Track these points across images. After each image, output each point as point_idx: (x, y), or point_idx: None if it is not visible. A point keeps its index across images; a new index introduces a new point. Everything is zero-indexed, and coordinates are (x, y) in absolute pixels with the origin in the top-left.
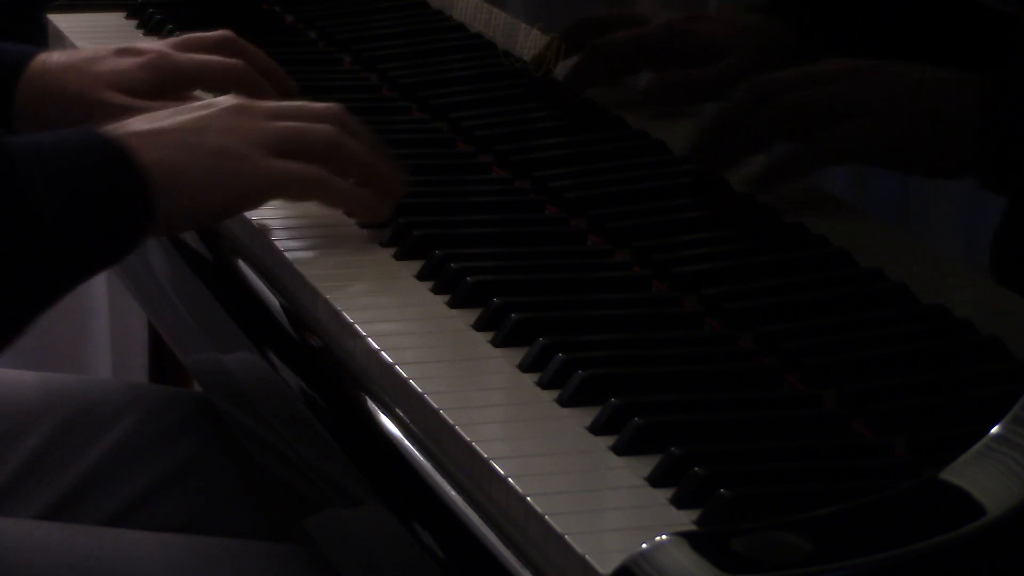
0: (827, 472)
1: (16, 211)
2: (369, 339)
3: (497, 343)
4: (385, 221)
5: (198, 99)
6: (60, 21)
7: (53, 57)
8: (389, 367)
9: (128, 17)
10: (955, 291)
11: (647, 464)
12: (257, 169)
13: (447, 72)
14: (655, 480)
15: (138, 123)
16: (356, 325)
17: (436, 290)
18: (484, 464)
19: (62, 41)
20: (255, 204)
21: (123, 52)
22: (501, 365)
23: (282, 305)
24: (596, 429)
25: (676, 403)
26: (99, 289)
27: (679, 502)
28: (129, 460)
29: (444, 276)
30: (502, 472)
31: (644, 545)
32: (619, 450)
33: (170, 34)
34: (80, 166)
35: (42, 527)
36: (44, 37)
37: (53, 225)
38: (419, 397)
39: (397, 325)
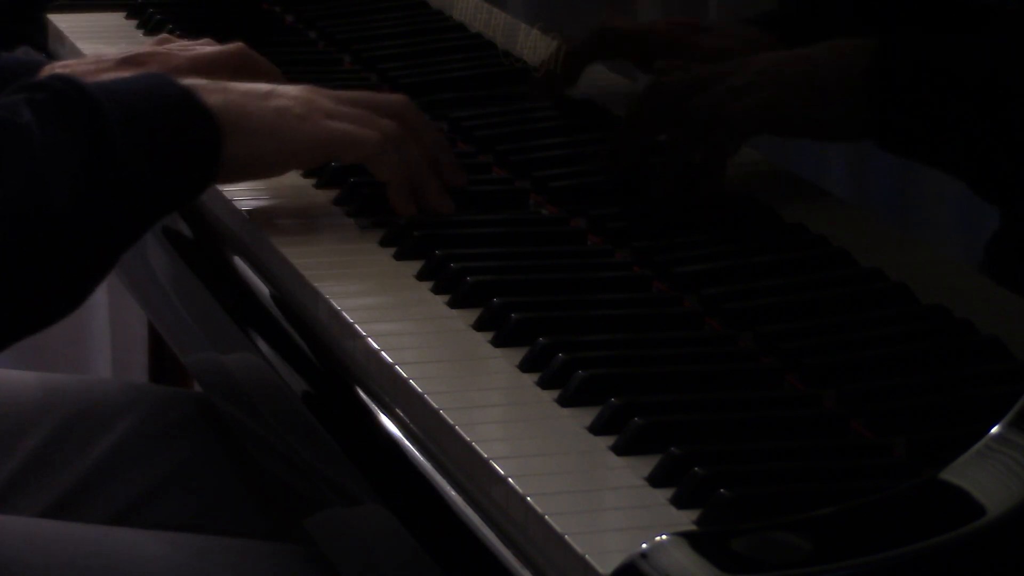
0: (827, 472)
1: (101, 151)
2: (369, 339)
3: (497, 343)
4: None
5: None
6: (60, 21)
7: (56, 68)
8: (389, 367)
9: (128, 17)
10: (955, 291)
11: (647, 464)
12: (318, 125)
13: (447, 72)
14: (655, 480)
15: (209, 81)
16: (356, 325)
17: (436, 290)
18: (484, 464)
19: (62, 41)
20: (314, 159)
21: (125, 62)
22: (501, 365)
23: (282, 305)
24: (596, 429)
25: (676, 403)
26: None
27: (679, 502)
28: (129, 460)
29: (444, 276)
30: (502, 472)
31: (644, 545)
32: (619, 450)
33: (170, 34)
34: (153, 107)
35: (43, 525)
36: (44, 37)
37: (132, 163)
38: (419, 397)
39: (397, 325)
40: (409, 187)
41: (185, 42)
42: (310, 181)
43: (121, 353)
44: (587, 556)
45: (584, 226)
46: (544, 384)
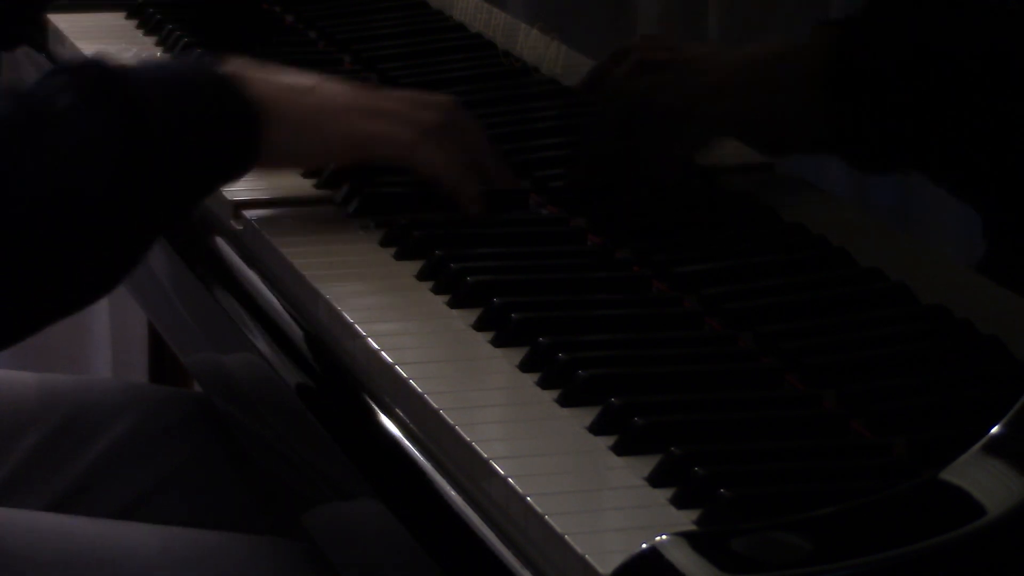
0: (827, 472)
1: (139, 136)
2: (369, 339)
3: (497, 343)
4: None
5: None
6: (60, 21)
7: None
8: (389, 367)
9: (128, 17)
10: (955, 291)
11: (647, 464)
12: (354, 124)
13: (447, 72)
14: (655, 480)
15: (254, 70)
16: (356, 325)
17: (436, 290)
18: (484, 464)
19: (62, 41)
20: (349, 157)
21: None
22: (501, 365)
23: (282, 305)
24: (596, 429)
25: (676, 403)
26: None
27: (679, 502)
28: (128, 459)
29: (444, 276)
30: (502, 472)
31: (644, 545)
32: (619, 450)
33: (170, 34)
34: (194, 93)
35: (44, 519)
36: (44, 37)
37: (170, 149)
38: (419, 397)
39: (397, 325)
40: (459, 178)
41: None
42: (310, 181)
43: (121, 353)
44: (587, 556)
45: (584, 226)
46: (544, 384)
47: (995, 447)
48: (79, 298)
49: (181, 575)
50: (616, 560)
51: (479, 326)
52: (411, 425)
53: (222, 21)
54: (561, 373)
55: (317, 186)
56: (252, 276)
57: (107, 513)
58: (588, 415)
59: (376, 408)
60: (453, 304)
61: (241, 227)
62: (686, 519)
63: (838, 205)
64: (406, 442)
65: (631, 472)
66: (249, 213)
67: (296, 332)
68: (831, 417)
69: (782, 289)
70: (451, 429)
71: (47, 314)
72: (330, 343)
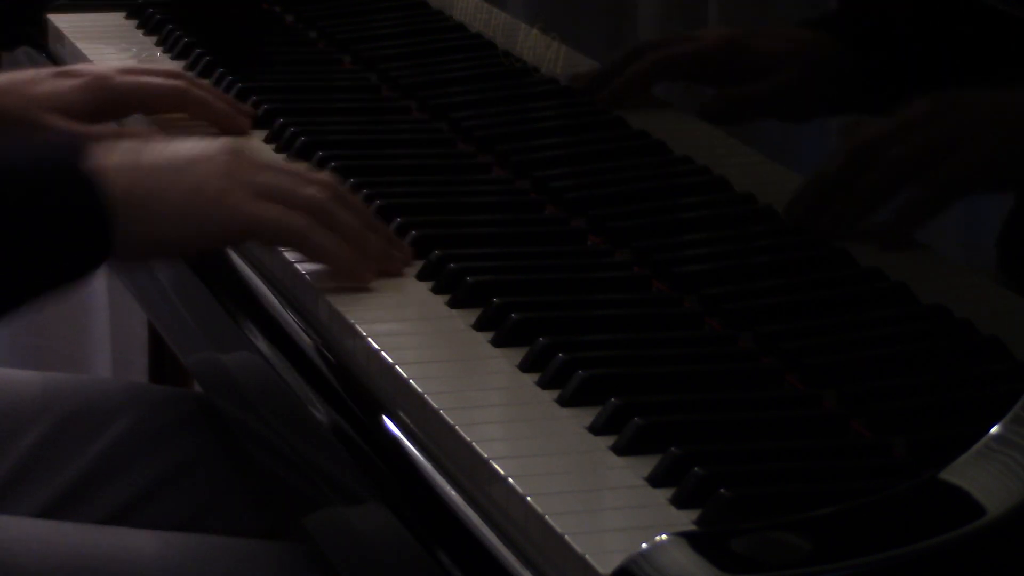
0: (827, 472)
1: None
2: (369, 339)
3: (497, 343)
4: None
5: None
6: (60, 21)
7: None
8: (389, 367)
9: (128, 17)
10: (955, 291)
11: (647, 464)
12: (235, 207)
13: (447, 72)
14: (655, 480)
15: (121, 153)
16: (356, 325)
17: (436, 290)
18: (484, 464)
19: (62, 41)
20: (229, 242)
21: (62, 74)
22: (501, 365)
23: (282, 305)
24: (596, 429)
25: (676, 403)
26: (99, 289)
27: (679, 502)
28: (127, 458)
29: (444, 276)
30: (502, 472)
31: (644, 545)
32: (619, 450)
33: (170, 34)
34: (36, 185)
35: (40, 525)
36: (44, 37)
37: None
38: (419, 397)
39: (397, 325)
40: (354, 258)
41: (140, 66)
42: None
43: (121, 353)
44: (587, 556)
45: (584, 226)
46: (544, 384)
47: (995, 447)
48: None
49: None
50: (616, 560)
51: (479, 326)
52: (411, 425)
53: (222, 21)
54: (561, 373)
55: None
56: (252, 276)
57: (106, 511)
58: (588, 415)
59: (376, 408)
60: (453, 304)
61: None
62: (686, 519)
63: None
64: (406, 442)
65: (631, 472)
66: None
67: (296, 332)
68: (831, 417)
69: (782, 289)
70: (451, 429)
71: None
72: (330, 343)
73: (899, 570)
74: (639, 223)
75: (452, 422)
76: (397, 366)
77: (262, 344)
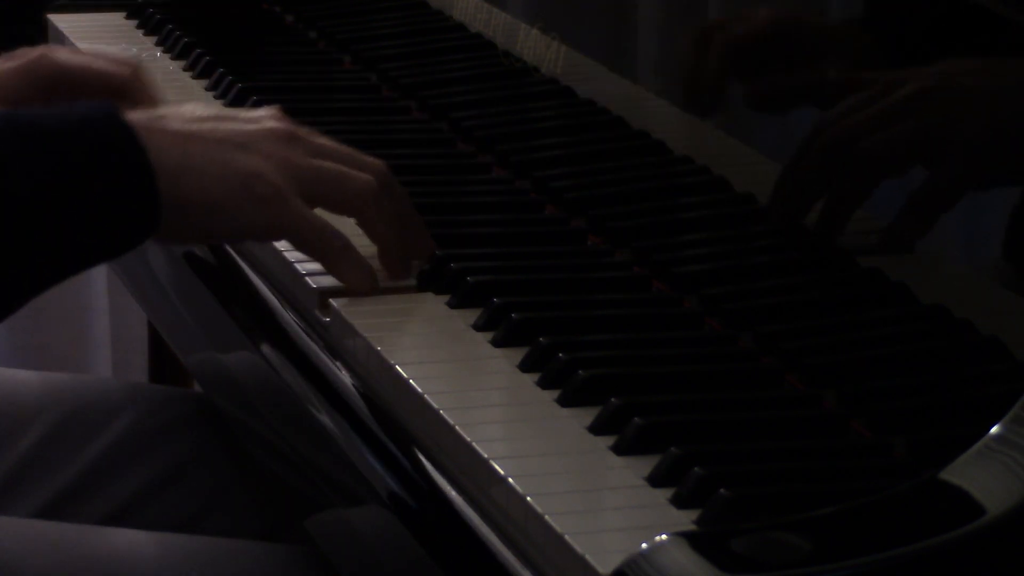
0: (827, 472)
1: None
2: (369, 339)
3: (497, 343)
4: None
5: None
6: (60, 21)
7: None
8: (389, 367)
9: (128, 17)
10: (955, 291)
11: (647, 464)
12: (281, 208)
13: (447, 72)
14: (655, 480)
15: (173, 121)
16: (356, 325)
17: (436, 290)
18: (484, 464)
19: (62, 41)
20: (268, 239)
21: (4, 58)
22: (501, 365)
23: (282, 305)
24: (596, 429)
25: (676, 403)
26: (99, 289)
27: (679, 502)
28: (127, 458)
29: (444, 276)
30: (502, 472)
31: (644, 545)
32: (619, 450)
33: (170, 34)
34: (77, 147)
35: (38, 526)
36: (44, 37)
37: (31, 205)
38: (419, 397)
39: (397, 325)
40: (365, 284)
41: (84, 49)
42: None
43: (121, 353)
44: (587, 556)
45: (584, 226)
46: (544, 384)
47: (995, 447)
48: None
49: None
50: (616, 560)
51: (479, 326)
52: (411, 425)
53: (222, 21)
54: (561, 373)
55: None
56: (252, 276)
57: (106, 511)
58: (588, 415)
59: (376, 408)
60: (453, 304)
61: None
62: (686, 519)
63: None
64: (406, 442)
65: (631, 472)
66: None
67: (295, 332)
68: (831, 417)
69: (782, 289)
70: (451, 429)
71: None
72: (330, 343)
73: (899, 570)
74: (639, 223)
75: (452, 422)
76: (397, 366)
77: (262, 344)
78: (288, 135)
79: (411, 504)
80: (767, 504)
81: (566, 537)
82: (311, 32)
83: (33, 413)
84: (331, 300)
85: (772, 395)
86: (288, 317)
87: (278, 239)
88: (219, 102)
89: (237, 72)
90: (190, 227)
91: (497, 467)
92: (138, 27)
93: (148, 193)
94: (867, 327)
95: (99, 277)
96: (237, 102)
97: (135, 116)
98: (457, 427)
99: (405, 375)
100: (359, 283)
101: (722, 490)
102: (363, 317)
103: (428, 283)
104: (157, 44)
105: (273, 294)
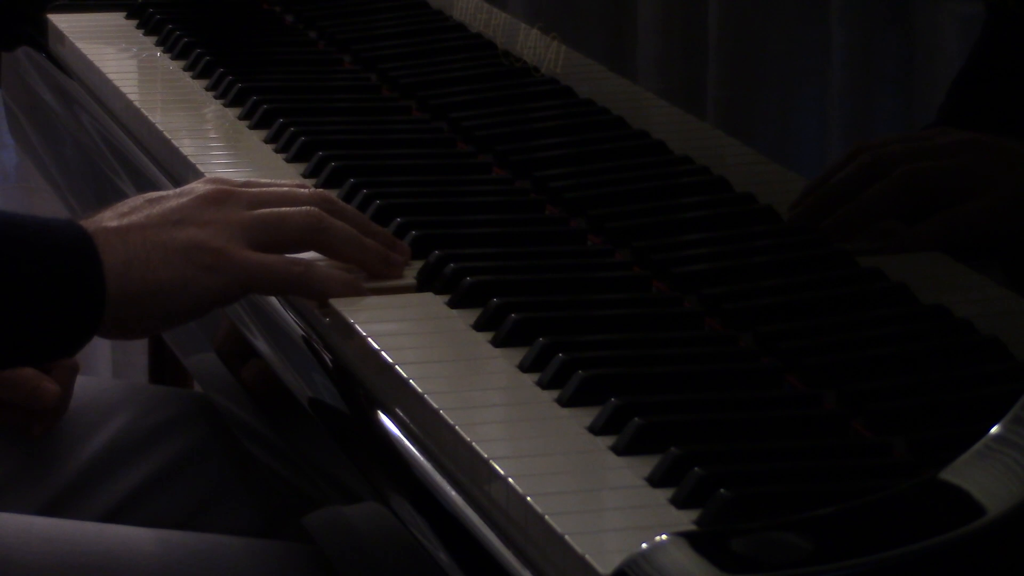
0: (827, 472)
1: None
2: (369, 339)
3: (497, 343)
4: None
5: None
6: (60, 21)
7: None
8: (389, 367)
9: (128, 17)
10: (955, 291)
11: (647, 464)
12: (229, 267)
13: (447, 72)
14: (655, 480)
15: (109, 219)
16: (356, 325)
17: (436, 290)
18: (484, 464)
19: (62, 41)
20: (233, 300)
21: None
22: (501, 365)
23: (282, 305)
24: (596, 429)
25: (676, 403)
26: None
27: (679, 502)
28: (126, 455)
29: (444, 276)
30: (502, 472)
31: (644, 545)
32: (619, 450)
33: (170, 34)
34: (35, 246)
35: (38, 523)
36: (44, 37)
37: None
38: (419, 397)
39: (397, 325)
40: (353, 283)
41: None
42: (311, 180)
43: (121, 353)
44: (587, 556)
45: (584, 226)
46: (544, 384)
47: (995, 447)
48: None
49: None
50: (616, 560)
51: (479, 326)
52: (411, 425)
53: (222, 21)
54: (561, 373)
55: (316, 186)
56: None
57: (105, 508)
58: (588, 415)
59: (376, 408)
60: (453, 304)
61: None
62: (686, 519)
63: None
64: (405, 441)
65: (631, 472)
66: None
67: (295, 333)
68: (831, 417)
69: (782, 289)
70: (451, 429)
71: None
72: (330, 343)
73: (899, 570)
74: (639, 223)
75: (452, 422)
76: (397, 366)
77: (262, 344)
78: (220, 196)
79: (410, 503)
80: (767, 504)
81: (566, 537)
82: (311, 32)
83: None
84: (331, 300)
85: (772, 395)
86: (288, 317)
87: (240, 297)
88: (219, 102)
89: (237, 72)
90: (150, 317)
91: (497, 467)
92: (138, 27)
93: (94, 294)
94: (867, 327)
95: None
96: (237, 102)
97: (84, 223)
98: (457, 427)
99: (405, 375)
100: (340, 291)
101: (722, 490)
102: (363, 317)
103: (428, 283)
104: (157, 44)
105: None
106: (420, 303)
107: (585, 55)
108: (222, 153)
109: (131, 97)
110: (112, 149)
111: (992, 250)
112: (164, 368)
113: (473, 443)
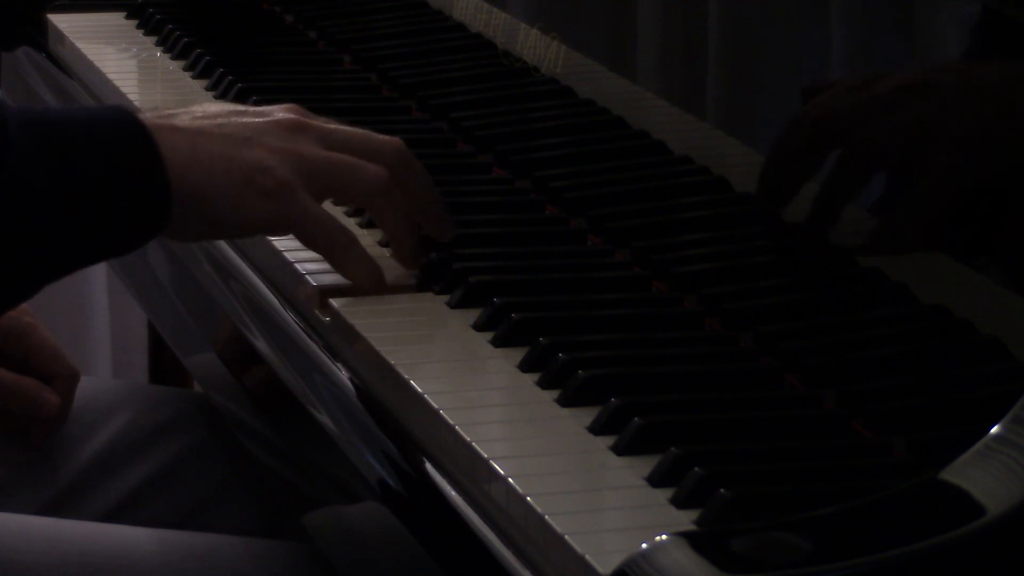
0: (827, 472)
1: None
2: (369, 340)
3: (497, 343)
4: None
5: None
6: (60, 21)
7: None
8: (389, 368)
9: (128, 17)
10: (955, 291)
11: (647, 464)
12: (286, 202)
13: (447, 72)
14: (655, 480)
15: (183, 118)
16: (356, 326)
17: (436, 290)
18: (484, 464)
19: (62, 41)
20: (274, 233)
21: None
22: (501, 365)
23: (283, 306)
24: (596, 429)
25: (676, 403)
26: (99, 289)
27: (679, 502)
28: (126, 455)
29: (444, 276)
30: (502, 472)
31: (644, 545)
32: (619, 450)
33: (170, 34)
34: (92, 142)
35: (39, 523)
36: (44, 37)
37: (44, 199)
38: (419, 397)
39: (397, 325)
40: (373, 280)
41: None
42: None
43: (121, 353)
44: (587, 556)
45: (584, 226)
46: (544, 384)
47: (995, 447)
48: None
49: None
50: (616, 560)
51: (479, 326)
52: (411, 425)
53: (222, 21)
54: (561, 373)
55: None
56: (253, 277)
57: (105, 508)
58: (588, 415)
59: (375, 407)
60: (453, 304)
61: None
62: (686, 519)
63: None
64: (406, 441)
65: (631, 472)
66: None
67: (295, 333)
68: (831, 417)
69: (782, 289)
70: (451, 429)
71: None
72: (330, 343)
73: (899, 570)
74: (639, 223)
75: (452, 422)
76: (397, 367)
77: (262, 344)
78: (297, 126)
79: (410, 503)
80: (767, 504)
81: (566, 537)
82: (311, 32)
83: None
84: (331, 300)
85: (772, 395)
86: (288, 317)
87: (284, 233)
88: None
89: (237, 72)
90: (197, 221)
91: (497, 467)
92: (138, 27)
93: (159, 187)
94: (867, 327)
95: (99, 277)
96: (237, 102)
97: (146, 115)
98: (457, 427)
99: (405, 375)
100: (364, 281)
101: (722, 490)
102: (363, 317)
103: (428, 283)
104: (157, 44)
105: (273, 295)
106: (420, 303)
107: (585, 55)
108: None
109: (131, 97)
110: None
111: (992, 250)
112: (164, 368)
113: (473, 443)
